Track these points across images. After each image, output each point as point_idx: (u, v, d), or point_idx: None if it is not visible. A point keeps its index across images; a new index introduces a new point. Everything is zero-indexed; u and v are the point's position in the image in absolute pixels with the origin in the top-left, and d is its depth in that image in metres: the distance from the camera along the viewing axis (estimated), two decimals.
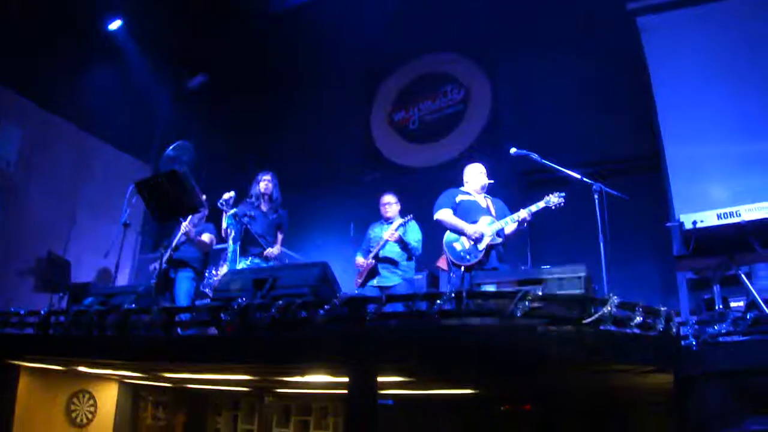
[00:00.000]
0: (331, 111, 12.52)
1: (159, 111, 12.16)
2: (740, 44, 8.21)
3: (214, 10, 11.59)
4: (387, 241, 7.37)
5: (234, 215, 7.08)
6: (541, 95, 10.06)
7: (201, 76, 12.32)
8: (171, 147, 7.25)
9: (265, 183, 7.52)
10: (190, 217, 7.22)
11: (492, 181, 6.91)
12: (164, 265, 7.33)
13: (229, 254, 7.03)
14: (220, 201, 7.06)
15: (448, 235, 6.52)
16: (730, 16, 8.34)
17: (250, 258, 7.26)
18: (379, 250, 7.42)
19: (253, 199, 7.55)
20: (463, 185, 6.96)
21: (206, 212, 7.64)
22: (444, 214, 6.57)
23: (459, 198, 6.73)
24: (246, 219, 7.16)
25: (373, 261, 7.42)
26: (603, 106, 9.49)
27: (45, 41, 9.69)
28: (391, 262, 7.44)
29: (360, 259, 7.64)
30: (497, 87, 11.23)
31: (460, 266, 6.36)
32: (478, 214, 6.54)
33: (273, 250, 7.32)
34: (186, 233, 7.30)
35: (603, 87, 9.49)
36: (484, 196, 6.86)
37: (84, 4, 10.19)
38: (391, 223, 7.64)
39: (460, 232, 6.44)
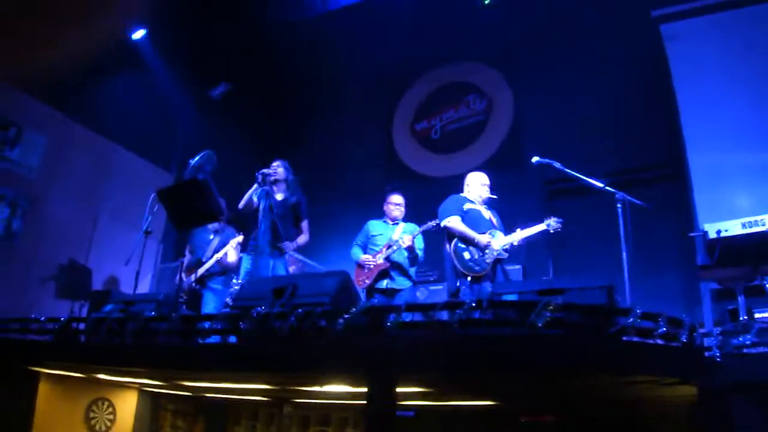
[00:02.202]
0: (353, 121, 12.55)
1: (181, 120, 12.22)
2: (764, 52, 8.12)
3: (237, 20, 11.66)
4: (401, 244, 7.29)
5: (266, 193, 6.78)
6: (564, 104, 10.01)
7: (223, 85, 12.36)
8: (197, 157, 7.24)
9: (275, 170, 7.04)
10: (229, 247, 7.25)
11: (495, 197, 6.92)
12: (196, 286, 7.39)
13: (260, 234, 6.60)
14: (263, 171, 6.79)
15: (458, 243, 6.49)
16: (754, 23, 8.26)
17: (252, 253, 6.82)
18: (392, 252, 7.30)
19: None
20: (462, 191, 6.98)
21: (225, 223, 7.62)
22: (454, 221, 6.57)
23: (467, 206, 6.73)
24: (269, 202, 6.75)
25: (387, 262, 7.29)
26: (626, 114, 9.44)
27: (69, 50, 9.76)
28: (400, 266, 7.34)
29: (368, 257, 7.40)
30: (519, 96, 11.17)
31: (467, 276, 6.34)
32: (484, 226, 6.57)
33: (290, 245, 6.86)
34: (219, 261, 7.35)
35: (626, 95, 9.43)
36: (486, 208, 6.87)
37: (108, 13, 10.27)
38: (397, 224, 7.60)
39: (469, 241, 6.43)
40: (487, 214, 6.82)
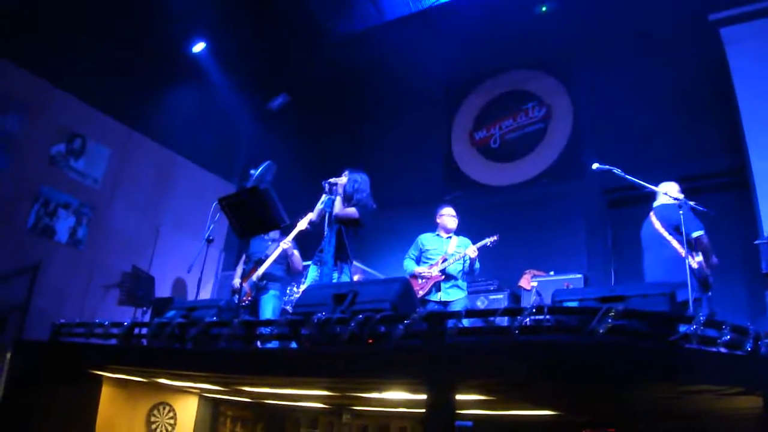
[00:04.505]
0: (412, 130, 12.61)
1: (241, 130, 12.42)
2: None
3: (295, 32, 11.79)
4: (463, 256, 7.30)
5: (332, 202, 6.75)
6: (623, 110, 9.90)
7: (282, 96, 12.51)
8: (259, 168, 7.33)
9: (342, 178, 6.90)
10: (292, 233, 7.29)
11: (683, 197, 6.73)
12: (262, 282, 7.43)
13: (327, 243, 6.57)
14: (329, 180, 6.80)
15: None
16: None
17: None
18: (448, 264, 7.33)
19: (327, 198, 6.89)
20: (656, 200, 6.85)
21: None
22: (705, 236, 6.40)
23: None
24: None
25: (441, 275, 7.32)
26: (687, 120, 9.30)
27: (131, 63, 10.02)
28: (454, 278, 7.34)
29: (423, 269, 7.44)
30: (578, 103, 11.09)
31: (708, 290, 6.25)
32: None
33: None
34: (285, 249, 7.40)
35: (686, 101, 9.29)
36: None
37: (169, 27, 10.50)
38: (450, 237, 7.60)
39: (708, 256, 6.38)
40: None
